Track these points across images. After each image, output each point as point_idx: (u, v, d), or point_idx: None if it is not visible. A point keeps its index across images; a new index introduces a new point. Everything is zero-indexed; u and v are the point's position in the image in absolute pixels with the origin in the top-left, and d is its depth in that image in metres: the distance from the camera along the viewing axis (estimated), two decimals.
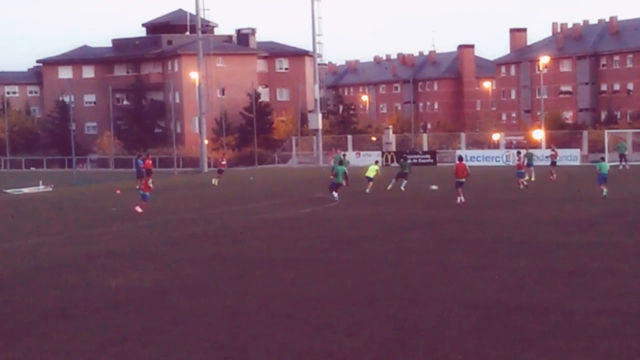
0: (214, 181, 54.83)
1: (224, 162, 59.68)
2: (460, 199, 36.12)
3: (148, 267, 21.95)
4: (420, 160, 73.35)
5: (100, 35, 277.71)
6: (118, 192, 50.32)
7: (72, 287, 19.30)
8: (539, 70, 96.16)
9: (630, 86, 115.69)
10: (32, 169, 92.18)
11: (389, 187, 43.80)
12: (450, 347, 13.35)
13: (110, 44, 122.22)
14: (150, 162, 57.23)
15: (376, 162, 48.52)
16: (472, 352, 13.06)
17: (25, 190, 54.12)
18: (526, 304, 16.30)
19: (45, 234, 29.88)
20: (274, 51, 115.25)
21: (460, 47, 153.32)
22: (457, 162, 38.42)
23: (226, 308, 16.54)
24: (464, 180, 36.78)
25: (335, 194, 39.54)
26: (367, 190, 43.17)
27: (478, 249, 23.65)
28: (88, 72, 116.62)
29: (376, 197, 40.31)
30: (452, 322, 14.95)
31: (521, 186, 43.07)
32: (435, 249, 23.83)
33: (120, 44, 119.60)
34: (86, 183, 60.64)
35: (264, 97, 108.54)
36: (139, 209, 35.75)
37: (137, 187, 50.74)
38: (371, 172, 44.60)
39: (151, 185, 36.85)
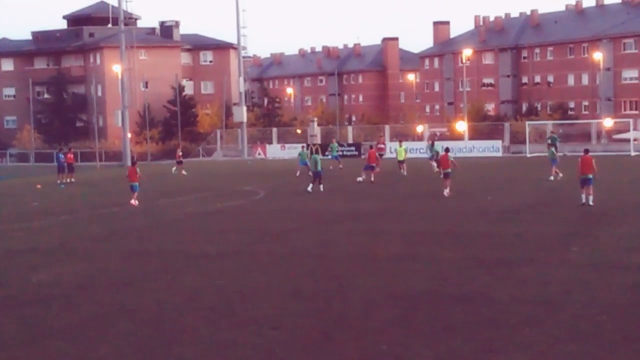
0: (174, 170, 58.60)
1: (180, 154, 61.95)
2: (447, 191, 35.39)
3: (71, 262, 21.67)
4: (345, 152, 73.44)
5: (20, 27, 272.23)
6: (39, 186, 49.44)
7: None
8: (461, 62, 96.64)
9: (550, 78, 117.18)
10: None
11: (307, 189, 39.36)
12: (376, 337, 13.39)
13: (30, 36, 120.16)
14: (72, 156, 56.37)
15: (401, 143, 52.41)
16: (397, 341, 13.13)
17: None
18: (450, 293, 16.45)
19: None
20: (198, 44, 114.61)
21: (385, 39, 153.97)
22: (443, 153, 38.86)
23: (151, 302, 16.43)
24: (449, 171, 36.18)
25: (310, 188, 38.52)
26: (404, 173, 48.15)
27: (404, 240, 23.68)
28: (7, 65, 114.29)
29: (300, 189, 39.93)
30: (377, 313, 15.02)
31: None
32: (362, 241, 23.74)
33: (41, 37, 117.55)
34: (6, 178, 59.89)
35: (188, 90, 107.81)
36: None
37: (59, 181, 51.23)
38: (401, 154, 48.86)
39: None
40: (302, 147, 59.72)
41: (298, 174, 48.47)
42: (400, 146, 50.43)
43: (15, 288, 18.32)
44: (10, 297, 17.35)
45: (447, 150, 39.16)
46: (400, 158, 49.13)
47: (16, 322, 15.14)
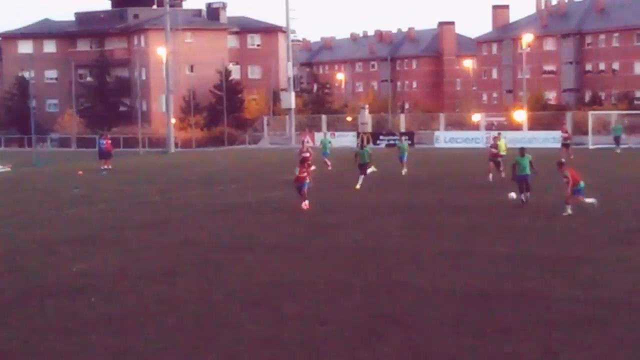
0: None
1: None
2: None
3: (111, 251, 21.57)
4: (397, 142, 70.10)
5: (63, 8, 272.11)
6: (80, 172, 48.75)
7: (32, 272, 19.06)
8: (521, 48, 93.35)
9: (615, 66, 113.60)
10: None
11: (357, 187, 36.12)
12: (427, 336, 13.17)
13: (73, 18, 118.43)
14: (110, 142, 54.96)
15: (499, 134, 44.02)
16: (448, 341, 12.85)
17: None
18: (505, 291, 16.15)
19: (2, 217, 29.31)
20: (245, 27, 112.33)
21: (441, 24, 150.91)
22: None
23: (193, 295, 16.29)
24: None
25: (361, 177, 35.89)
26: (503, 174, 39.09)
27: (457, 234, 23.22)
28: (49, 47, 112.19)
29: (350, 180, 38.32)
30: (429, 310, 14.74)
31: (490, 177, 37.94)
32: (412, 235, 23.39)
33: (84, 18, 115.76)
34: (47, 163, 59.89)
35: (235, 74, 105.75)
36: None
37: (102, 168, 50.79)
38: (502, 148, 40.32)
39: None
40: (328, 135, 55.38)
41: (313, 167, 43.46)
42: (499, 139, 40.93)
43: (56, 277, 18.28)
44: (51, 287, 17.28)
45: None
46: (502, 152, 39.80)
47: (56, 313, 15.10)
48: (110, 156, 52.70)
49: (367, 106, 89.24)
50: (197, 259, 20.26)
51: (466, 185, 36.82)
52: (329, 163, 46.60)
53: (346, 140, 76.22)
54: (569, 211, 25.14)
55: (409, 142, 59.46)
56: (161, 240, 23.20)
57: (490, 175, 36.81)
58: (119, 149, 69.41)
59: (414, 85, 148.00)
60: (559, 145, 63.32)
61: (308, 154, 39.50)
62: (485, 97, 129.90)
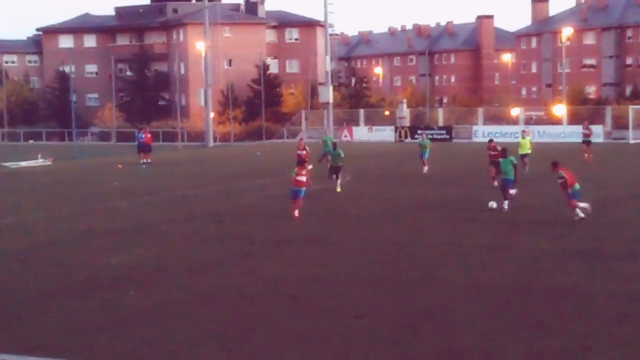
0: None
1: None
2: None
3: (150, 244, 21.67)
4: (435, 136, 70.36)
5: (103, 3, 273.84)
6: (120, 166, 49.66)
7: (71, 264, 19.05)
8: (561, 42, 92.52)
9: None
10: (31, 141, 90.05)
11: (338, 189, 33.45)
12: (463, 330, 13.07)
13: (113, 12, 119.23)
14: (150, 136, 55.40)
15: (524, 131, 42.77)
16: (485, 335, 12.78)
17: (24, 163, 53.54)
18: (542, 286, 16.05)
19: (43, 210, 29.53)
20: (283, 21, 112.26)
21: (479, 17, 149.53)
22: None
23: (230, 287, 16.41)
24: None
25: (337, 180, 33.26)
26: (526, 171, 37.31)
27: (495, 229, 23.10)
28: (89, 42, 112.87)
29: (385, 174, 39.05)
30: (465, 305, 14.67)
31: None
32: (449, 229, 23.24)
33: (124, 12, 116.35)
34: (87, 157, 60.45)
35: (273, 68, 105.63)
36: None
37: (141, 161, 51.25)
38: (526, 146, 39.25)
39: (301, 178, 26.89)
40: (328, 132, 52.57)
41: (310, 167, 42.82)
42: (524, 137, 40.33)
43: (95, 270, 18.32)
44: (90, 279, 17.40)
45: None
46: (523, 151, 39.03)
47: (95, 305, 15.16)
48: (149, 150, 52.96)
49: (405, 100, 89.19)
50: (235, 252, 20.37)
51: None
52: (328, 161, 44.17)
53: (384, 134, 76.23)
54: (581, 214, 23.63)
55: (431, 138, 58.42)
56: (200, 233, 23.32)
57: (495, 182, 30.90)
58: (158, 143, 69.68)
59: (452, 79, 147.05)
60: (600, 140, 63.02)
61: (304, 152, 37.78)
62: (524, 92, 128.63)
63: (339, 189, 32.77)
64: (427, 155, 39.96)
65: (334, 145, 34.78)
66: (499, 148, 31.58)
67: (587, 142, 47.24)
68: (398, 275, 17.26)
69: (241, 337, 13.01)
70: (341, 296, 15.46)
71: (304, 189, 25.80)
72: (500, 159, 27.06)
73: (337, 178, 33.18)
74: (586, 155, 45.55)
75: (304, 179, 25.80)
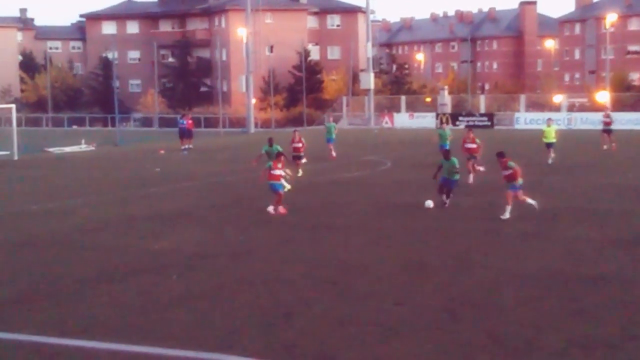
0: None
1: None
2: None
3: (191, 230, 21.83)
4: (476, 123, 70.09)
5: None
6: (162, 152, 50.11)
7: (112, 250, 19.21)
8: (605, 28, 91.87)
9: None
10: (74, 127, 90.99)
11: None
12: (504, 318, 13.09)
13: None
14: (191, 122, 55.71)
15: (549, 121, 39.57)
16: (526, 324, 12.71)
17: (67, 149, 54.33)
18: (584, 274, 16.00)
19: (86, 195, 29.89)
20: (325, 7, 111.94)
21: (522, 3, 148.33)
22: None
23: (270, 273, 16.47)
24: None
25: None
26: (550, 161, 36.76)
27: (536, 216, 22.72)
28: (132, 28, 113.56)
29: (428, 161, 37.74)
30: (506, 292, 14.65)
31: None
32: (490, 216, 22.95)
33: None
34: (129, 142, 60.87)
35: (314, 55, 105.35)
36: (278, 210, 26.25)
37: (183, 147, 51.45)
38: (551, 134, 37.61)
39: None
40: (330, 119, 50.25)
41: (304, 160, 40.09)
42: (549, 126, 38.39)
43: (136, 255, 18.51)
44: (130, 265, 17.57)
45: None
46: (548, 140, 37.86)
47: (135, 291, 15.29)
48: (191, 136, 53.15)
49: (446, 87, 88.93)
50: (276, 238, 20.46)
51: (547, 168, 36.20)
52: (333, 153, 42.95)
53: (425, 121, 76.00)
54: (506, 216, 22.17)
55: (472, 125, 57.53)
56: (240, 219, 23.43)
57: (471, 177, 30.37)
58: (199, 129, 69.95)
59: (494, 66, 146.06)
60: None
61: (300, 145, 35.71)
62: (567, 78, 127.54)
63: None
64: (448, 146, 36.77)
65: (270, 140, 31.00)
66: (478, 141, 31.07)
67: (607, 130, 45.48)
68: (438, 262, 17.24)
69: (281, 322, 13.06)
70: (381, 282, 15.47)
71: (280, 182, 24.39)
72: (442, 160, 24.78)
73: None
74: (605, 146, 44.36)
75: (279, 172, 24.41)
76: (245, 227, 22.12)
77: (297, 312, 13.58)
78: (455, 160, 24.51)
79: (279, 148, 29.83)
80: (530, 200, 22.83)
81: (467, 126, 31.01)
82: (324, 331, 12.54)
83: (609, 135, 44.95)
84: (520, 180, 22.42)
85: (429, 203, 24.49)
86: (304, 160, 35.30)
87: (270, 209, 24.01)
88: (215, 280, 15.99)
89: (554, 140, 37.57)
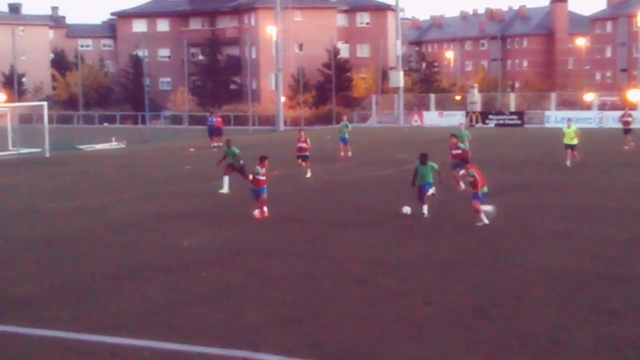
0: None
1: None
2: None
3: (220, 227, 21.93)
4: (506, 122, 69.66)
5: None
6: (192, 149, 50.14)
7: (142, 246, 19.38)
8: (637, 26, 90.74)
9: None
10: (105, 124, 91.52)
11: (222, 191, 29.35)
12: (532, 317, 13.03)
13: None
14: (220, 120, 56.09)
15: (569, 121, 37.41)
16: (554, 323, 12.66)
17: (98, 146, 54.74)
18: (613, 274, 15.87)
19: (116, 192, 30.06)
20: (354, 5, 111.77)
21: (553, 1, 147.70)
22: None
23: (298, 271, 16.55)
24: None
25: None
26: (568, 163, 35.02)
27: (567, 215, 22.95)
28: (162, 26, 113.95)
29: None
30: (534, 291, 14.61)
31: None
32: (519, 215, 23.09)
33: None
34: (159, 140, 61.19)
35: (344, 53, 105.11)
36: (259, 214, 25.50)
37: (212, 145, 51.60)
38: (571, 135, 35.47)
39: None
40: (344, 117, 48.00)
41: (343, 154, 41.48)
42: (569, 127, 36.08)
43: (165, 252, 18.63)
44: (160, 261, 17.71)
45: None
46: (568, 141, 35.74)
47: (165, 287, 15.43)
48: (221, 133, 53.22)
49: (476, 85, 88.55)
50: (305, 235, 20.51)
51: (576, 167, 35.80)
52: (349, 152, 41.88)
53: (454, 119, 75.67)
54: (485, 220, 21.16)
55: (502, 123, 56.54)
56: (269, 217, 23.38)
57: (462, 184, 27.52)
58: (229, 127, 70.06)
59: (525, 64, 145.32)
60: None
61: (305, 144, 34.35)
62: (598, 76, 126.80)
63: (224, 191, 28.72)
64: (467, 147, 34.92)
65: (228, 142, 29.97)
66: (462, 146, 28.86)
67: (627, 130, 44.64)
68: (467, 260, 17.21)
69: (310, 319, 13.10)
70: (409, 280, 15.47)
71: (264, 187, 23.31)
72: (418, 164, 23.20)
73: (229, 175, 29.02)
74: (626, 146, 43.53)
75: (263, 177, 23.34)
76: (272, 224, 22.14)
77: (324, 309, 13.59)
78: (432, 164, 22.97)
79: (237, 150, 29.16)
80: (487, 208, 21.31)
81: (452, 134, 29.24)
82: (351, 329, 12.53)
83: (628, 135, 44.30)
84: (485, 189, 21.25)
85: (407, 209, 23.13)
86: (304, 164, 33.89)
87: (256, 212, 23.12)
88: (243, 278, 16.05)
89: (574, 142, 35.40)
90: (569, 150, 35.38)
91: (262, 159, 23.80)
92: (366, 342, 11.97)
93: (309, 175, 33.14)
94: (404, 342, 11.93)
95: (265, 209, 23.32)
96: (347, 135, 42.32)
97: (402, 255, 17.85)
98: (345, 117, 48.36)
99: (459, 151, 28.29)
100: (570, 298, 14.11)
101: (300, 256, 18.02)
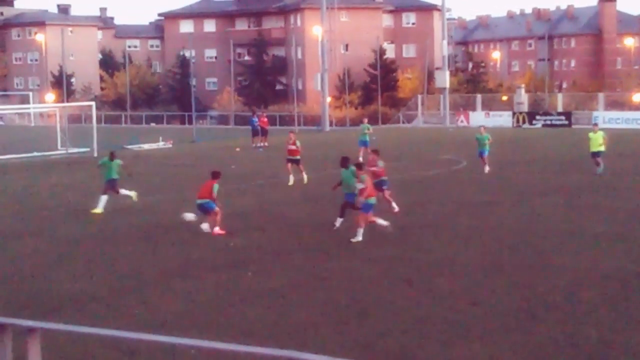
0: None
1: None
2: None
3: (268, 227, 21.88)
4: (554, 122, 69.04)
5: None
6: (238, 149, 50.15)
7: (191, 245, 19.39)
8: None
9: None
10: (152, 124, 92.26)
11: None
12: (583, 320, 12.85)
13: None
14: (266, 120, 56.34)
15: (595, 126, 34.68)
16: (606, 326, 12.49)
17: (146, 146, 54.99)
18: None
19: (164, 191, 30.51)
20: (400, 5, 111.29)
21: (601, 1, 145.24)
22: None
23: (345, 271, 16.51)
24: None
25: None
26: (600, 170, 32.05)
27: (615, 217, 22.56)
28: (209, 26, 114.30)
29: (505, 160, 38.40)
30: (584, 294, 14.44)
31: None
32: (568, 217, 22.92)
33: None
34: (206, 140, 61.29)
35: (389, 53, 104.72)
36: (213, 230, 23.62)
37: (254, 145, 51.97)
38: (598, 141, 32.28)
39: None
40: (365, 120, 46.32)
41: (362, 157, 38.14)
42: (595, 132, 32.95)
43: (213, 251, 18.67)
44: (207, 261, 17.80)
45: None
46: (595, 148, 32.48)
47: (212, 286, 15.54)
48: (266, 134, 53.45)
49: (523, 86, 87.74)
50: (351, 236, 20.26)
51: (623, 167, 35.54)
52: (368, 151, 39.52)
53: (501, 120, 75.18)
54: (359, 237, 19.40)
55: (549, 123, 55.78)
56: (315, 217, 23.45)
57: (395, 206, 23.87)
58: (275, 127, 70.31)
59: (572, 64, 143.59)
60: None
61: (295, 147, 32.20)
62: None
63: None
64: (487, 152, 33.89)
65: (112, 155, 25.80)
66: (381, 164, 23.90)
67: None
68: (516, 262, 17.10)
69: (357, 320, 13.10)
70: (458, 282, 15.41)
71: (211, 202, 20.93)
72: (344, 170, 20.93)
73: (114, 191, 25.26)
74: None
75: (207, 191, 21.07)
76: (320, 225, 22.13)
77: (373, 310, 13.58)
78: (353, 169, 20.60)
79: (119, 162, 25.85)
80: (381, 222, 20.02)
81: (372, 150, 25.83)
82: (399, 330, 12.52)
83: None
84: (372, 200, 19.68)
85: (188, 216, 21.13)
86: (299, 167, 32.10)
87: (205, 226, 20.81)
88: (290, 277, 16.10)
89: (601, 149, 32.13)
90: (596, 158, 32.15)
91: (293, 160, 22.68)
92: (413, 343, 11.96)
93: (305, 180, 31.44)
94: (451, 344, 11.89)
95: (217, 228, 20.70)
96: (367, 138, 41.11)
97: (451, 257, 17.77)
98: (365, 120, 47.18)
99: (378, 169, 23.64)
100: (620, 300, 13.96)
101: (348, 257, 18.02)
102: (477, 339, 12.08)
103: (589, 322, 12.70)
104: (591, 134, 32.87)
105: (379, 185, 22.11)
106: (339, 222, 21.05)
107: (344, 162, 21.20)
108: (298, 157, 32.16)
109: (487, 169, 33.53)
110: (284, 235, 20.80)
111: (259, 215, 24.15)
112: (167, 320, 13.35)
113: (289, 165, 32.08)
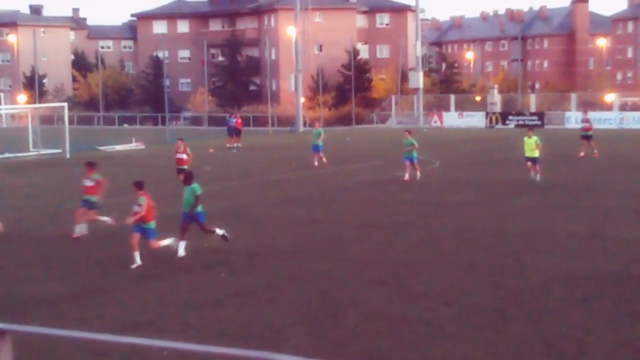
0: None
1: None
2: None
3: (241, 228, 21.63)
4: (526, 122, 69.40)
5: None
6: (211, 150, 50.00)
7: (163, 248, 18.63)
8: None
9: None
10: (125, 125, 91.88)
11: None
12: (555, 319, 12.90)
13: None
14: (240, 120, 56.58)
15: (529, 131, 32.78)
16: (578, 325, 12.56)
17: (118, 147, 54.88)
18: (637, 275, 15.81)
19: (131, 192, 28.06)
20: (374, 6, 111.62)
21: (574, 1, 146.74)
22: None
23: (320, 272, 16.50)
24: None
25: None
26: (537, 178, 30.74)
27: (589, 216, 22.73)
28: (183, 27, 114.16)
29: (478, 160, 38.73)
30: (557, 293, 14.48)
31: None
32: (541, 216, 22.93)
33: None
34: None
35: (363, 54, 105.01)
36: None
37: (228, 145, 52.61)
38: (530, 147, 31.12)
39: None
40: (316, 124, 45.03)
41: (317, 163, 38.30)
42: (529, 137, 31.52)
43: (187, 253, 18.31)
44: (180, 262, 17.74)
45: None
46: (528, 153, 31.26)
47: (185, 287, 15.55)
48: (239, 134, 53.67)
49: (496, 86, 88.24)
50: (325, 236, 20.47)
51: (598, 166, 35.80)
52: (324, 159, 38.36)
53: (474, 120, 75.55)
54: (138, 261, 17.37)
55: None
56: (290, 218, 23.47)
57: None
58: (248, 128, 70.26)
59: (545, 64, 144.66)
60: None
61: (185, 156, 30.84)
62: (619, 77, 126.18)
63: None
64: (416, 158, 32.03)
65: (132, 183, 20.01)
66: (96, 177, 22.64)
67: (587, 137, 40.57)
68: (490, 261, 17.13)
69: (331, 320, 13.08)
70: (431, 282, 15.40)
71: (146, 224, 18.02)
72: (186, 187, 19.10)
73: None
74: (582, 153, 39.83)
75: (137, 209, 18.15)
76: (294, 226, 22.12)
77: (346, 311, 13.57)
78: (196, 186, 18.89)
79: (197, 190, 21.08)
80: (165, 242, 18.27)
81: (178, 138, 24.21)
82: (373, 331, 12.50)
83: (588, 141, 40.42)
84: (151, 224, 17.96)
85: (169, 242, 18.46)
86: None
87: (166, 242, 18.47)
88: (264, 278, 16.04)
89: (535, 155, 30.89)
90: (530, 164, 30.90)
91: (180, 170, 20.74)
92: (387, 343, 11.93)
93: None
94: (425, 345, 11.88)
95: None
96: (320, 143, 39.03)
97: (424, 257, 17.79)
98: (317, 124, 45.75)
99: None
100: (593, 300, 14.01)
101: (321, 257, 18.00)
102: (451, 338, 12.07)
103: (562, 321, 12.73)
104: (526, 138, 31.65)
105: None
106: (181, 246, 18.22)
107: (187, 178, 19.32)
108: (186, 166, 28.98)
109: (418, 175, 31.65)
110: (259, 236, 20.73)
111: (232, 217, 23.96)
112: (140, 321, 13.28)
113: (180, 175, 26.44)
